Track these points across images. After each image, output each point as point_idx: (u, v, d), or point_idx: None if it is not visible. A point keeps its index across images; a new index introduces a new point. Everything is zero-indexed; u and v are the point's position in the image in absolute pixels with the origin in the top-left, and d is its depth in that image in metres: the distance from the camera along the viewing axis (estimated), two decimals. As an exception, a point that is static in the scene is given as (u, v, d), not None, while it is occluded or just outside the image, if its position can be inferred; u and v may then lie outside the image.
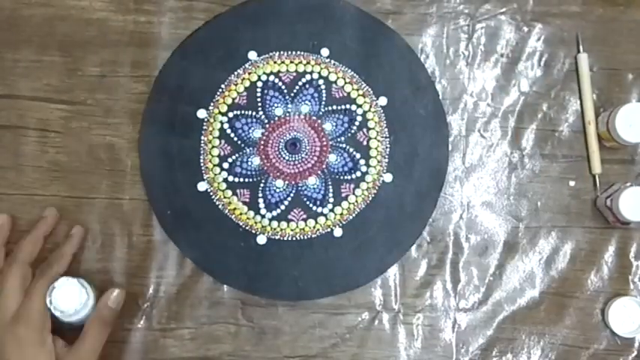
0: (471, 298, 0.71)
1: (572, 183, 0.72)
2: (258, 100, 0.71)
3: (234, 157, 0.70)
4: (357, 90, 0.71)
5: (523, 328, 0.71)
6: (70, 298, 0.62)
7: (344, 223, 0.70)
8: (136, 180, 0.70)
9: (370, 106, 0.71)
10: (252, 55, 0.71)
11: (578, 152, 0.72)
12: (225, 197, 0.70)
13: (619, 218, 0.68)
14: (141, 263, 0.70)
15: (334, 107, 0.71)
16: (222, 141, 0.70)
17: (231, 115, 0.71)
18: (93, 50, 0.71)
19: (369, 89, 0.71)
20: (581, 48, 0.72)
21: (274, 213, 0.70)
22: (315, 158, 0.70)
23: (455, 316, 0.71)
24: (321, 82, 0.71)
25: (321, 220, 0.70)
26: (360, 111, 0.71)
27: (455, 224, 0.72)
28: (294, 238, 0.70)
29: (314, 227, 0.70)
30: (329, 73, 0.71)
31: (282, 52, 0.71)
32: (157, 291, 0.71)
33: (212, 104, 0.70)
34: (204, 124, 0.70)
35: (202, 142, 0.70)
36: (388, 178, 0.70)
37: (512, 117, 0.73)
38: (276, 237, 0.70)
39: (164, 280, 0.71)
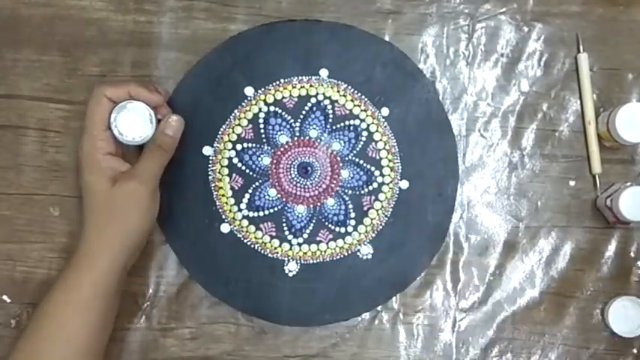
0: (471, 298, 0.71)
1: (572, 183, 0.72)
2: (262, 131, 0.70)
3: (250, 192, 0.70)
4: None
5: (523, 328, 0.71)
6: (134, 123, 0.63)
7: (371, 239, 0.70)
8: (136, 180, 0.70)
9: (373, 119, 0.70)
10: (249, 90, 0.70)
11: (578, 152, 0.72)
12: (248, 233, 0.70)
13: (619, 218, 0.68)
14: (141, 263, 0.70)
15: (339, 125, 0.71)
16: (234, 174, 0.70)
17: (238, 147, 0.70)
18: (93, 50, 0.71)
19: (370, 103, 0.71)
20: (581, 48, 0.72)
21: (300, 239, 0.70)
22: (329, 178, 0.70)
23: (455, 316, 0.71)
24: (326, 102, 0.71)
25: (348, 239, 0.70)
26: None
27: (455, 224, 0.72)
28: (325, 260, 0.70)
29: (341, 248, 0.70)
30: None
31: (278, 82, 0.70)
32: (157, 290, 0.71)
33: (217, 140, 0.70)
34: (211, 160, 0.70)
35: (211, 178, 0.70)
36: (404, 185, 0.70)
37: (513, 117, 0.73)
38: (309, 262, 0.70)
39: (164, 280, 0.71)
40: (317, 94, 0.71)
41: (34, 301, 0.69)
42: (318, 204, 0.70)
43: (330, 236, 0.70)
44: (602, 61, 0.73)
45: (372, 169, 0.71)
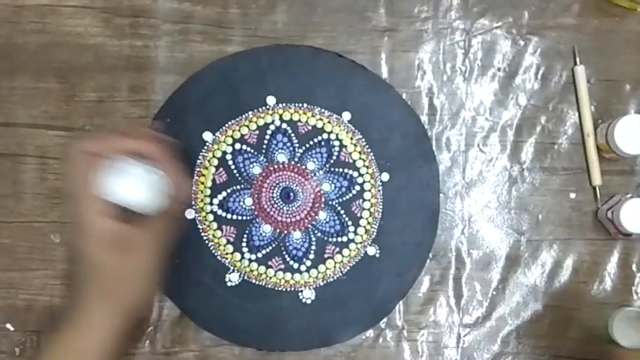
0: (475, 314, 0.71)
1: (572, 195, 0.72)
2: (265, 141, 0.70)
3: (228, 191, 0.70)
4: (364, 160, 0.70)
5: (527, 342, 0.71)
6: (132, 185, 0.55)
7: (317, 286, 0.70)
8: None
9: (371, 178, 0.71)
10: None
11: (578, 164, 0.72)
12: (210, 229, 0.70)
13: (620, 230, 0.68)
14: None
15: (337, 170, 0.71)
16: (221, 169, 0.70)
17: (237, 146, 0.70)
18: (90, 76, 0.71)
19: (375, 162, 0.71)
20: (578, 60, 0.72)
21: (253, 256, 0.70)
22: (306, 212, 0.70)
23: (459, 332, 0.71)
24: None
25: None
26: (360, 180, 0.71)
27: (456, 239, 0.72)
28: (267, 285, 0.70)
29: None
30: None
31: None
32: (160, 315, 0.70)
33: (220, 131, 0.70)
34: (206, 148, 0.70)
35: (199, 164, 0.70)
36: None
37: (511, 131, 0.73)
38: (251, 280, 0.70)
39: (167, 304, 0.70)
40: (332, 131, 0.71)
41: (37, 328, 0.69)
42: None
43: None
44: (599, 72, 0.73)
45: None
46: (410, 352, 0.71)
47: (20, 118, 0.71)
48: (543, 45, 0.73)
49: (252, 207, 0.70)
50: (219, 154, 0.70)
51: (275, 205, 0.70)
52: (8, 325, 0.70)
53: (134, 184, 0.55)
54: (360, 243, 0.70)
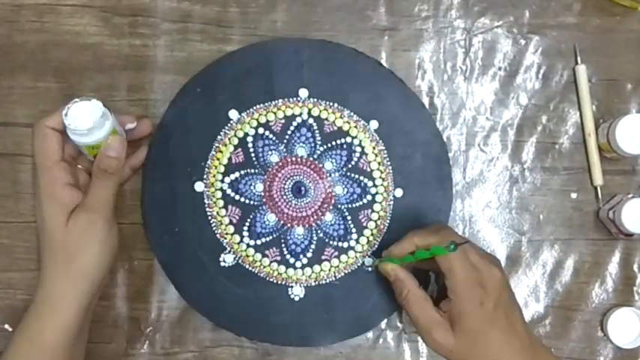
0: (476, 314, 0.71)
1: (573, 195, 0.72)
2: (288, 132, 0.70)
3: (241, 173, 0.70)
4: (381, 171, 0.70)
5: (528, 342, 0.71)
6: (85, 115, 0.60)
7: (308, 285, 0.69)
8: (135, 205, 0.70)
9: (385, 191, 0.70)
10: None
11: (579, 164, 0.72)
12: (216, 206, 0.70)
13: (622, 230, 0.68)
14: (142, 288, 0.70)
15: (353, 175, 0.70)
16: (239, 149, 0.70)
17: (260, 131, 0.70)
18: (88, 75, 0.71)
19: (392, 176, 0.70)
20: (579, 59, 0.72)
21: (252, 242, 0.69)
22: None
23: (460, 332, 0.71)
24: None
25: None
26: (373, 191, 0.70)
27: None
28: (259, 273, 0.69)
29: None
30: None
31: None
32: (159, 315, 0.70)
33: (247, 113, 0.70)
34: (229, 126, 0.70)
35: (219, 140, 0.70)
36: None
37: (512, 130, 0.72)
38: (245, 265, 0.69)
39: (166, 304, 0.70)
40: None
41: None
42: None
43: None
44: (600, 72, 0.72)
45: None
46: (410, 352, 0.71)
47: (19, 118, 0.71)
48: (544, 44, 0.73)
49: (262, 193, 0.70)
50: (241, 134, 0.70)
51: (284, 197, 0.70)
52: (6, 326, 0.70)
53: (89, 118, 0.61)
54: (360, 252, 0.70)
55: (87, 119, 0.60)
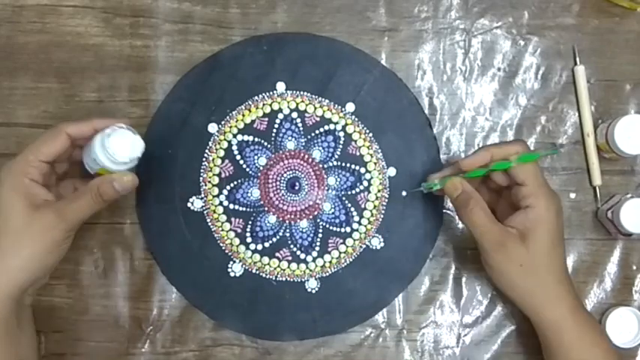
0: (475, 313, 0.71)
1: (572, 195, 0.72)
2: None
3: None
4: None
5: (527, 342, 0.71)
6: (126, 147, 0.60)
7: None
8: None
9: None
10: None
11: (578, 164, 0.72)
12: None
13: (620, 230, 0.68)
14: (143, 287, 0.70)
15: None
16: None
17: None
18: (90, 76, 0.71)
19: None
20: (578, 60, 0.72)
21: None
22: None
23: (459, 332, 0.71)
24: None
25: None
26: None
27: (457, 240, 0.72)
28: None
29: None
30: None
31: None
32: (160, 314, 0.70)
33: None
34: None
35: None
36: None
37: (511, 131, 0.73)
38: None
39: (167, 304, 0.71)
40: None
41: (37, 328, 0.68)
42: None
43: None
44: (599, 72, 0.73)
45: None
46: (410, 351, 0.71)
47: (20, 118, 0.71)
48: (543, 45, 0.73)
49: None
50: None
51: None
52: None
53: (128, 145, 0.60)
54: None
55: (127, 151, 0.60)
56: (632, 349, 0.71)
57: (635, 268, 0.72)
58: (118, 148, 0.60)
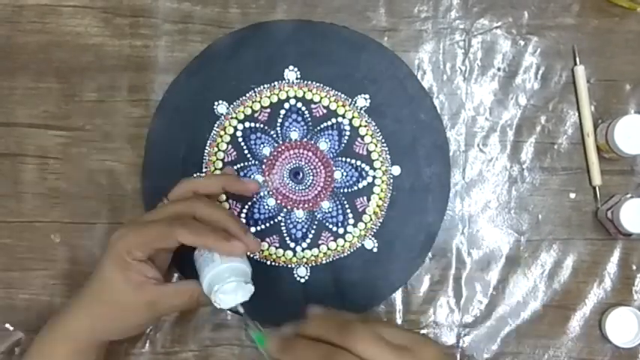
0: (475, 313, 0.71)
1: (572, 195, 0.72)
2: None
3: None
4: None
5: (527, 341, 0.71)
6: (233, 296, 0.57)
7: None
8: (137, 204, 0.70)
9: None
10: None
11: (578, 164, 0.72)
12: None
13: (620, 230, 0.68)
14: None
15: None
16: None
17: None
18: (90, 76, 0.71)
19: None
20: (577, 60, 0.72)
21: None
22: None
23: (459, 332, 0.71)
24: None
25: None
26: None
27: (456, 239, 0.72)
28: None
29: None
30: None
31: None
32: (160, 314, 0.71)
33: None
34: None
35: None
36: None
37: (511, 131, 0.73)
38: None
39: (167, 304, 0.70)
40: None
41: (37, 328, 0.68)
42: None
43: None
44: (599, 72, 0.73)
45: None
46: (410, 351, 0.71)
47: (20, 118, 0.71)
48: (543, 45, 0.73)
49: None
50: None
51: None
52: (7, 325, 0.70)
53: (239, 286, 0.58)
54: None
55: (234, 301, 0.57)
56: (632, 349, 0.71)
57: (635, 268, 0.72)
58: (226, 302, 0.57)
